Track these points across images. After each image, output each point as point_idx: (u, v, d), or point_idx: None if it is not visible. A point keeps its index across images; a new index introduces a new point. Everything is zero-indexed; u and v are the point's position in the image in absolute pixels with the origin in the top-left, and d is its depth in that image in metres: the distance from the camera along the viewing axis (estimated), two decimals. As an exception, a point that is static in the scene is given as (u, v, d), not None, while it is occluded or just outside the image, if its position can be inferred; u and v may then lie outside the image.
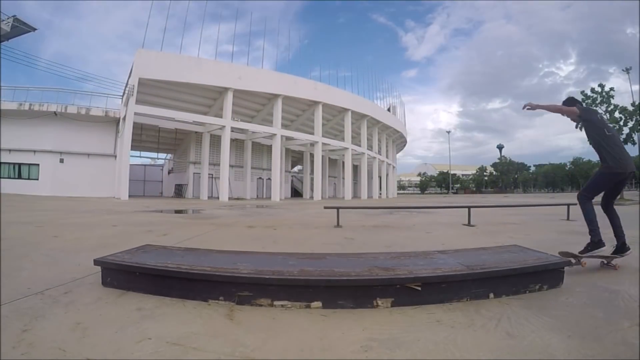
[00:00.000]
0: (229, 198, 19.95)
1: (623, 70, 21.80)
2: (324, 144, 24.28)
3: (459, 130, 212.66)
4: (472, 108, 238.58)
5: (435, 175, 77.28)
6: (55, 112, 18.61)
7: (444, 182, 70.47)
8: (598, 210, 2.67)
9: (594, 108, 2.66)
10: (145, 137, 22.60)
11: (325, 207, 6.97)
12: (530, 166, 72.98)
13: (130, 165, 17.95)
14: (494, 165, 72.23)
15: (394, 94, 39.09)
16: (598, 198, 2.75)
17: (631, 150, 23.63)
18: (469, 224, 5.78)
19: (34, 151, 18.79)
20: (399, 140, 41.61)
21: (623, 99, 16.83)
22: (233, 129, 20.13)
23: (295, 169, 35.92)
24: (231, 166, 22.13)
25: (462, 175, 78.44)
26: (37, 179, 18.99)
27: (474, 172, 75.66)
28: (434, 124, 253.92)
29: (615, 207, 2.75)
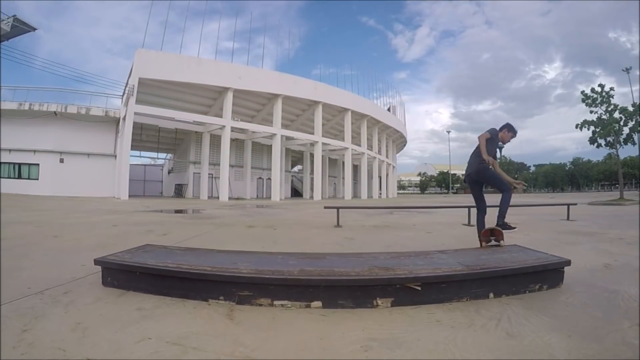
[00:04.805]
0: (229, 198, 19.95)
1: (623, 70, 21.78)
2: (324, 143, 24.27)
3: (453, 131, 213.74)
4: (463, 110, 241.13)
5: (435, 175, 77.27)
6: (55, 112, 18.61)
7: (444, 182, 70.45)
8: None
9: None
10: (145, 137, 22.61)
11: (325, 207, 6.97)
12: (530, 166, 73.06)
13: (131, 165, 17.94)
14: (494, 165, 72.08)
15: (393, 94, 39.13)
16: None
17: (631, 150, 23.76)
18: (469, 224, 5.77)
19: (34, 151, 18.78)
20: (399, 140, 41.61)
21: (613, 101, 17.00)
22: (233, 129, 20.13)
23: (295, 169, 35.91)
24: (231, 166, 22.11)
25: (462, 175, 78.45)
26: (37, 179, 18.99)
27: (474, 172, 75.57)
28: (427, 125, 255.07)
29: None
